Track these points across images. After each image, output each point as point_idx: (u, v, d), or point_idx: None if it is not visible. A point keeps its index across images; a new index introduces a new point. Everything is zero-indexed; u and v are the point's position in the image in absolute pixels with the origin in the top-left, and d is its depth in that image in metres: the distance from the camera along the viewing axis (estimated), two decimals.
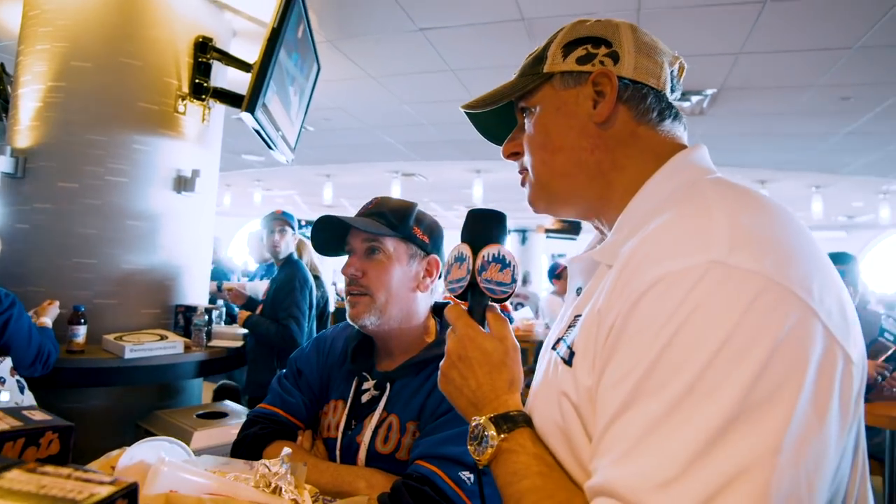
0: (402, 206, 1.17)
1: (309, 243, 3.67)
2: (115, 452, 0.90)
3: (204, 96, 2.81)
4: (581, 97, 0.72)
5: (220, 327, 2.97)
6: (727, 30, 3.24)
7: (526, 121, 0.77)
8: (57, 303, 2.32)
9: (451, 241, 0.90)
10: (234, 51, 3.16)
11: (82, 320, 2.35)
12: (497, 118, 0.84)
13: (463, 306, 0.77)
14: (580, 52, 0.73)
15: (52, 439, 0.54)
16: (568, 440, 0.62)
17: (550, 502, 0.58)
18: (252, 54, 2.83)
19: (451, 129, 6.14)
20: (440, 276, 1.18)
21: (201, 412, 2.40)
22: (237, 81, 3.01)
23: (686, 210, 0.60)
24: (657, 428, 0.49)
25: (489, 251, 0.75)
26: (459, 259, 0.77)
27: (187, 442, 2.17)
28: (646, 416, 0.50)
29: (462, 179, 8.83)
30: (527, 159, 0.77)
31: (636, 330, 0.53)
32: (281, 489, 0.73)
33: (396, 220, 1.14)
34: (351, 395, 1.15)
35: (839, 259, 3.02)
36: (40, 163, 2.53)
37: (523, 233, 13.97)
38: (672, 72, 0.74)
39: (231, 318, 3.31)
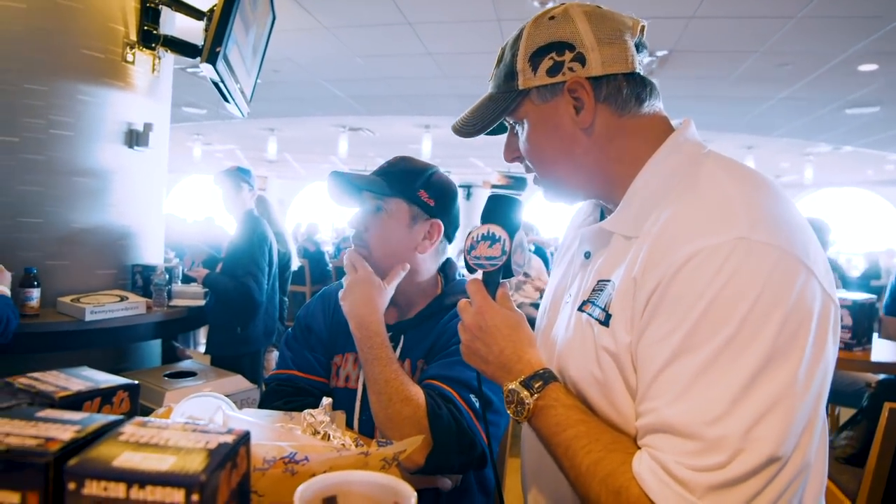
0: (412, 168, 1.21)
1: (270, 200, 3.60)
2: (160, 411, 0.91)
3: (154, 44, 2.64)
4: (561, 107, 0.77)
5: (179, 286, 2.90)
6: None
7: (518, 129, 0.83)
8: (2, 267, 2.17)
9: None
10: None
11: (35, 282, 2.24)
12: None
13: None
14: (547, 62, 0.76)
15: (123, 398, 0.55)
16: (605, 388, 0.71)
17: (598, 444, 0.67)
18: (201, 1, 2.68)
19: (403, 84, 6.04)
20: (449, 241, 1.24)
21: (168, 373, 2.37)
22: (185, 29, 2.85)
23: (704, 191, 0.70)
24: (704, 374, 0.60)
25: (520, 237, 0.82)
26: (491, 238, 0.81)
27: (159, 403, 2.15)
28: (694, 365, 0.61)
29: (410, 134, 8.74)
30: (530, 165, 0.83)
31: (678, 295, 0.63)
32: (329, 435, 0.77)
33: (403, 182, 1.18)
34: None
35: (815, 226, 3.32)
36: None
37: (468, 188, 14.03)
38: (636, 41, 0.78)
39: (187, 278, 3.23)
